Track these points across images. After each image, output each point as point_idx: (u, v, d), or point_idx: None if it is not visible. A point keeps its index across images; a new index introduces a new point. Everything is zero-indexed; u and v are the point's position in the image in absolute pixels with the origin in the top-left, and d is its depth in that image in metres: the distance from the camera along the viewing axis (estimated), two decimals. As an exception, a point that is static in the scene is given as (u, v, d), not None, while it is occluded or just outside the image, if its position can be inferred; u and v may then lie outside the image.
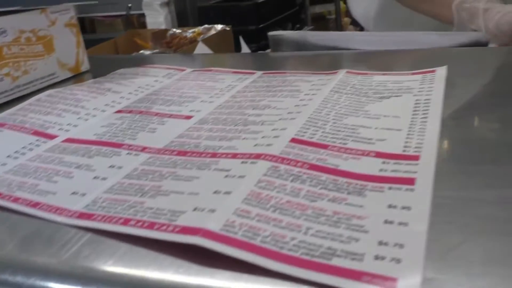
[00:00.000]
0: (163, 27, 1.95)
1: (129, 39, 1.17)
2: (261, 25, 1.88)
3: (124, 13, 2.13)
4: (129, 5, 2.12)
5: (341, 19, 3.59)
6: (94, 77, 0.50)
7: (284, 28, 2.15)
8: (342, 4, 3.57)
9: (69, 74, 0.48)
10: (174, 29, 1.17)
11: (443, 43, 0.57)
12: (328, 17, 3.56)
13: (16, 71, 0.42)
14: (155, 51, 1.04)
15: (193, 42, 1.07)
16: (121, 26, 2.19)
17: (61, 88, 0.41)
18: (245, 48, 0.73)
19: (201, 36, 1.07)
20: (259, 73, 0.44)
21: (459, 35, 0.56)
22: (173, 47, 1.10)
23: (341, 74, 0.40)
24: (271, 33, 0.62)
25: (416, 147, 0.25)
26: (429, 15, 0.72)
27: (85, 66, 0.51)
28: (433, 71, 0.37)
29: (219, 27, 1.13)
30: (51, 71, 0.46)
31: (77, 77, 0.49)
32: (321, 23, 3.57)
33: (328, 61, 0.50)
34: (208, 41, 1.01)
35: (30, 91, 0.44)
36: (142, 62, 0.58)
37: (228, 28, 1.11)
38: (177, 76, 0.45)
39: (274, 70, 0.46)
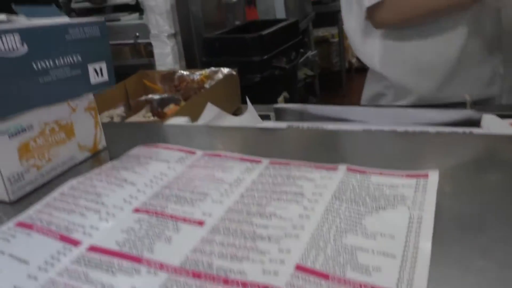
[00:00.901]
0: (169, 58, 1.99)
1: (138, 81, 1.21)
2: (265, 56, 1.92)
3: (131, 41, 2.18)
4: (137, 34, 2.17)
5: (343, 42, 3.65)
6: (111, 154, 0.53)
7: (288, 57, 2.19)
8: (345, 28, 3.64)
9: (87, 155, 0.52)
10: (182, 71, 1.21)
11: (436, 119, 0.60)
12: (331, 40, 3.63)
13: (41, 160, 0.45)
14: (164, 96, 1.08)
15: (201, 86, 1.11)
16: (128, 54, 2.24)
17: (82, 178, 0.45)
18: (251, 109, 0.76)
19: (209, 81, 1.11)
20: (265, 162, 0.47)
21: (452, 112, 0.59)
22: (181, 91, 1.14)
23: (342, 172, 0.43)
24: (276, 106, 0.66)
25: (407, 284, 0.28)
26: (451, 6, 0.81)
27: (102, 144, 0.54)
28: (426, 176, 0.41)
29: (225, 70, 1.17)
30: (71, 155, 0.49)
31: (94, 156, 0.53)
32: (324, 46, 3.64)
33: (329, 142, 0.53)
34: (215, 89, 1.05)
35: (53, 176, 0.47)
36: (152, 132, 0.62)
37: (234, 73, 1.15)
38: (189, 162, 0.48)
39: (278, 152, 0.50)
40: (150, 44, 2.07)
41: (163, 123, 0.74)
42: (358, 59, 3.75)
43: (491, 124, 0.59)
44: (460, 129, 0.56)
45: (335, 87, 3.65)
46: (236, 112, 1.16)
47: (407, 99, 0.91)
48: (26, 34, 0.40)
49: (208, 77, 1.19)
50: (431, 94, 0.89)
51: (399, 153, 0.48)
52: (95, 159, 0.52)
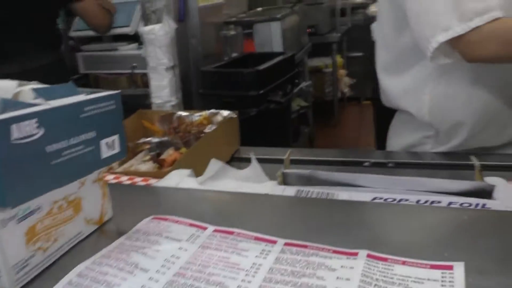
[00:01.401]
0: (166, 91, 1.99)
1: (137, 121, 1.19)
2: (262, 91, 1.93)
3: (129, 71, 2.18)
4: (134, 64, 2.17)
5: (337, 72, 3.69)
6: (117, 225, 0.52)
7: (284, 90, 2.20)
8: (338, 58, 3.69)
9: (93, 228, 0.50)
10: (181, 112, 1.20)
11: (449, 189, 0.60)
12: (324, 70, 3.67)
13: (47, 242, 0.43)
14: (162, 139, 1.07)
15: (200, 130, 1.10)
16: (125, 84, 2.23)
17: (90, 262, 0.43)
18: (255, 164, 0.75)
19: (209, 125, 1.10)
20: (281, 243, 0.45)
21: (465, 184, 0.59)
22: (180, 133, 1.12)
23: (362, 259, 0.42)
24: (284, 171, 0.65)
25: None
26: None
27: (108, 215, 0.52)
28: (450, 268, 0.40)
29: (225, 113, 1.16)
30: (78, 231, 0.47)
31: (100, 228, 0.51)
32: (317, 76, 3.68)
33: (343, 215, 0.52)
34: (215, 134, 1.03)
35: (58, 256, 0.45)
36: (158, 195, 0.60)
37: (234, 116, 1.15)
38: (201, 241, 0.47)
39: (291, 228, 0.48)
40: (146, 75, 2.07)
41: (170, 184, 0.73)
42: (351, 89, 3.77)
43: (505, 194, 0.58)
44: (475, 200, 0.55)
45: (327, 116, 3.67)
46: (235, 155, 1.15)
47: (449, 144, 0.89)
48: (43, 117, 0.39)
49: (207, 119, 1.18)
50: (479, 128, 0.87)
51: (418, 231, 0.47)
52: (101, 231, 0.50)
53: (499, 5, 0.73)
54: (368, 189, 0.61)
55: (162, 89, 2.01)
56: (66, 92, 0.43)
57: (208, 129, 1.08)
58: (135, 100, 2.31)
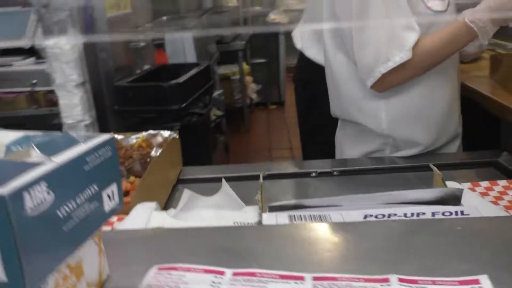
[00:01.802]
0: (78, 109, 1.83)
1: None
2: (184, 104, 1.87)
3: (28, 89, 1.95)
4: (34, 81, 1.95)
5: (244, 79, 3.75)
6: (119, 284, 0.45)
7: (203, 101, 2.17)
8: (245, 65, 3.76)
9: (93, 293, 0.43)
10: (116, 135, 1.10)
11: (425, 198, 0.64)
12: (232, 77, 3.70)
13: (52, 324, 0.36)
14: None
15: (143, 154, 1.02)
16: (24, 103, 1.99)
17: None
18: (227, 189, 0.73)
19: (154, 148, 1.03)
20: (309, 278, 0.44)
21: (438, 191, 0.63)
22: (120, 159, 1.03)
23: (396, 284, 0.42)
24: (271, 204, 0.63)
25: None
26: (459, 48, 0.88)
27: (106, 273, 0.45)
28: (477, 282, 0.42)
29: (165, 133, 1.10)
30: (79, 301, 0.40)
31: (99, 290, 0.44)
32: (226, 83, 3.70)
33: (349, 237, 0.52)
34: (162, 158, 0.97)
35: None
36: (145, 241, 0.54)
37: (176, 136, 1.09)
38: (225, 287, 0.43)
39: (310, 260, 0.47)
40: (51, 92, 1.87)
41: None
42: (258, 94, 3.85)
43: (472, 201, 0.64)
44: (453, 208, 0.60)
45: (238, 123, 3.71)
46: (180, 176, 1.10)
47: (406, 151, 0.97)
48: (51, 179, 0.32)
49: (146, 141, 1.10)
50: (432, 143, 0.97)
51: (428, 247, 0.49)
52: (100, 294, 0.44)
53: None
54: (355, 206, 0.63)
55: (73, 107, 1.84)
56: (66, 142, 0.37)
57: (154, 152, 1.01)
58: (38, 122, 2.07)
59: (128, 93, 1.88)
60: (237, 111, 3.69)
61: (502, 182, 0.79)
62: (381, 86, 0.90)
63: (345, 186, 0.97)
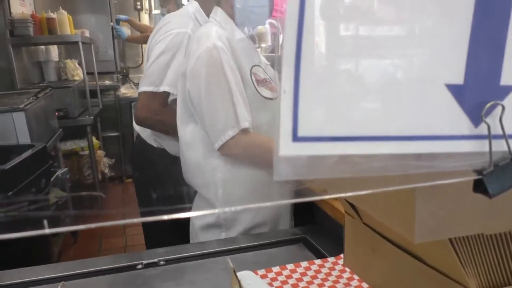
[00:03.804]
0: None
1: None
2: (10, 193, 1.69)
3: None
4: None
5: (95, 154, 3.58)
6: None
7: (38, 186, 1.98)
8: (94, 140, 3.60)
9: None
10: None
11: None
12: (81, 153, 3.50)
13: None
14: None
15: None
16: None
17: None
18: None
19: None
20: None
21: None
22: None
23: None
24: None
25: None
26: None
27: None
28: None
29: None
30: None
31: None
32: (73, 159, 3.47)
33: None
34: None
35: None
36: None
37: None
38: None
39: None
40: None
41: None
42: (112, 169, 3.72)
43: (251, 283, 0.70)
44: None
45: (91, 201, 3.48)
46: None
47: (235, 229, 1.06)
48: None
49: None
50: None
51: None
52: None
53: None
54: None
55: None
56: None
57: None
58: None
59: None
60: (87, 187, 3.47)
61: (304, 264, 0.87)
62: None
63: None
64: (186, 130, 1.13)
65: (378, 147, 0.27)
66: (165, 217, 0.29)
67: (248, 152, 1.05)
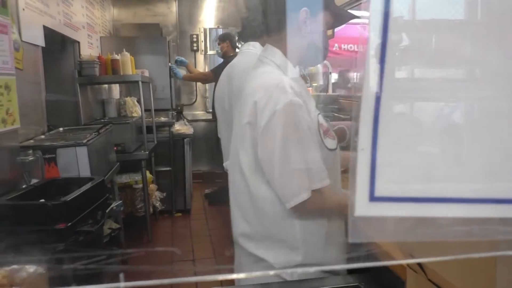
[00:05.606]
0: None
1: None
2: (70, 223, 1.76)
3: None
4: None
5: (147, 187, 3.69)
6: None
7: (94, 218, 2.06)
8: (148, 174, 3.72)
9: None
10: (-30, 273, 0.99)
11: None
12: (134, 186, 3.62)
13: None
14: None
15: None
16: None
17: None
18: None
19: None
20: None
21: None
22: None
23: None
24: None
25: None
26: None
27: None
28: None
29: (30, 268, 1.01)
30: None
31: None
32: (127, 191, 3.60)
33: None
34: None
35: None
36: None
37: (43, 271, 1.01)
38: None
39: None
40: None
41: None
42: (162, 202, 3.78)
43: None
44: None
45: (140, 233, 3.55)
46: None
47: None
48: None
49: (7, 277, 1.00)
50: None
51: None
52: None
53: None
54: None
55: None
56: None
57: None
58: None
59: (6, 212, 1.73)
60: (139, 219, 3.56)
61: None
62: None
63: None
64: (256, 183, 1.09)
65: (465, 210, 0.25)
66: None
67: (322, 211, 1.05)
